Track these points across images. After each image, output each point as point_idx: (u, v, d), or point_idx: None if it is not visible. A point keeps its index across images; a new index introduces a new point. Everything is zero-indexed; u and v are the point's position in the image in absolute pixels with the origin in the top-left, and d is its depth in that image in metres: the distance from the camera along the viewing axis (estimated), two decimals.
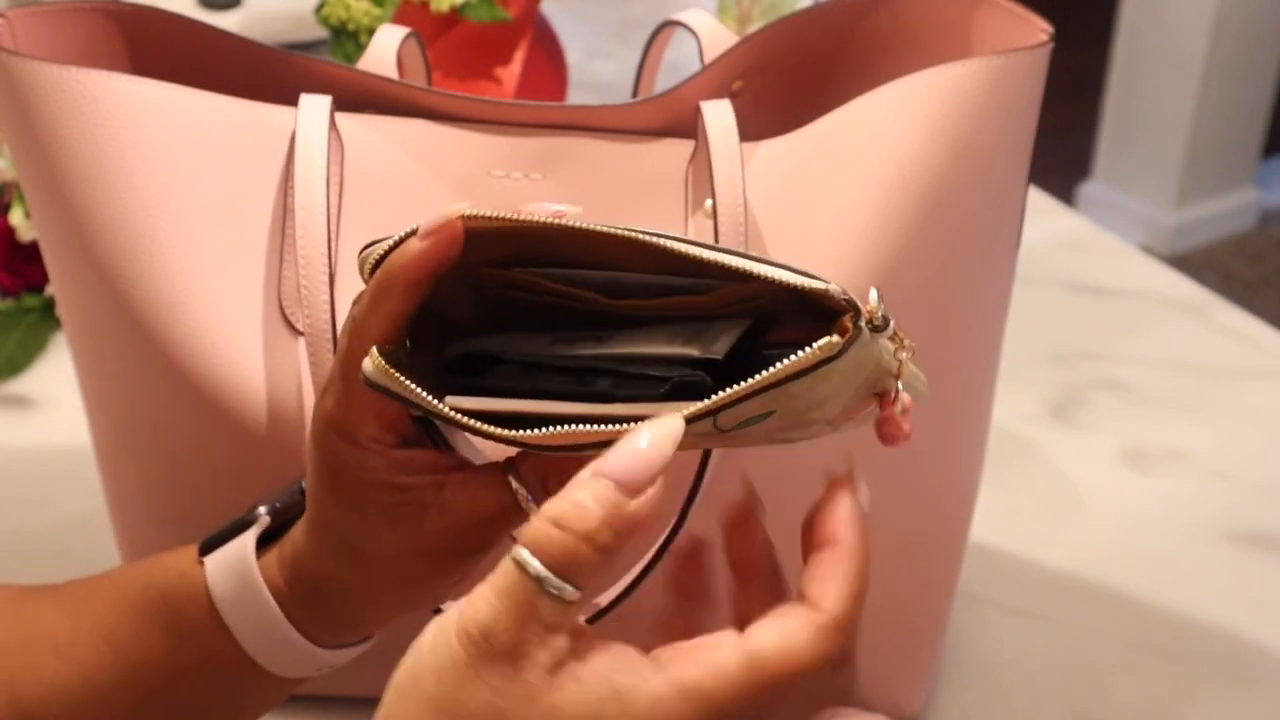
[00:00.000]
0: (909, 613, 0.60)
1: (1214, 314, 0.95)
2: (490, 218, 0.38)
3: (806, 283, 0.35)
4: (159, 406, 0.53)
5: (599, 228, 0.37)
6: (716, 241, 0.52)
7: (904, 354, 0.37)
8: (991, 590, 0.71)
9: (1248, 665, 0.67)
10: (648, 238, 0.36)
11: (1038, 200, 1.09)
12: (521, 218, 0.38)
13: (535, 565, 0.32)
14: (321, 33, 1.12)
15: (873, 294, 0.35)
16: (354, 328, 0.40)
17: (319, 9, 0.94)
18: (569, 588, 0.32)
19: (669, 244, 0.36)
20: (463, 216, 0.38)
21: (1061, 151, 2.89)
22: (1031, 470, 0.80)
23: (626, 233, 0.36)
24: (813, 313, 0.36)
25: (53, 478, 0.77)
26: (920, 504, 0.57)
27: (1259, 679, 0.66)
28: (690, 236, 0.55)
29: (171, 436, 0.54)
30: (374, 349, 0.38)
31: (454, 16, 0.91)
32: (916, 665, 0.62)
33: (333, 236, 0.53)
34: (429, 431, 0.42)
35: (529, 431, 0.37)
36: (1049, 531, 0.75)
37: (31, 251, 0.89)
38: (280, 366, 0.52)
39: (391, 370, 0.38)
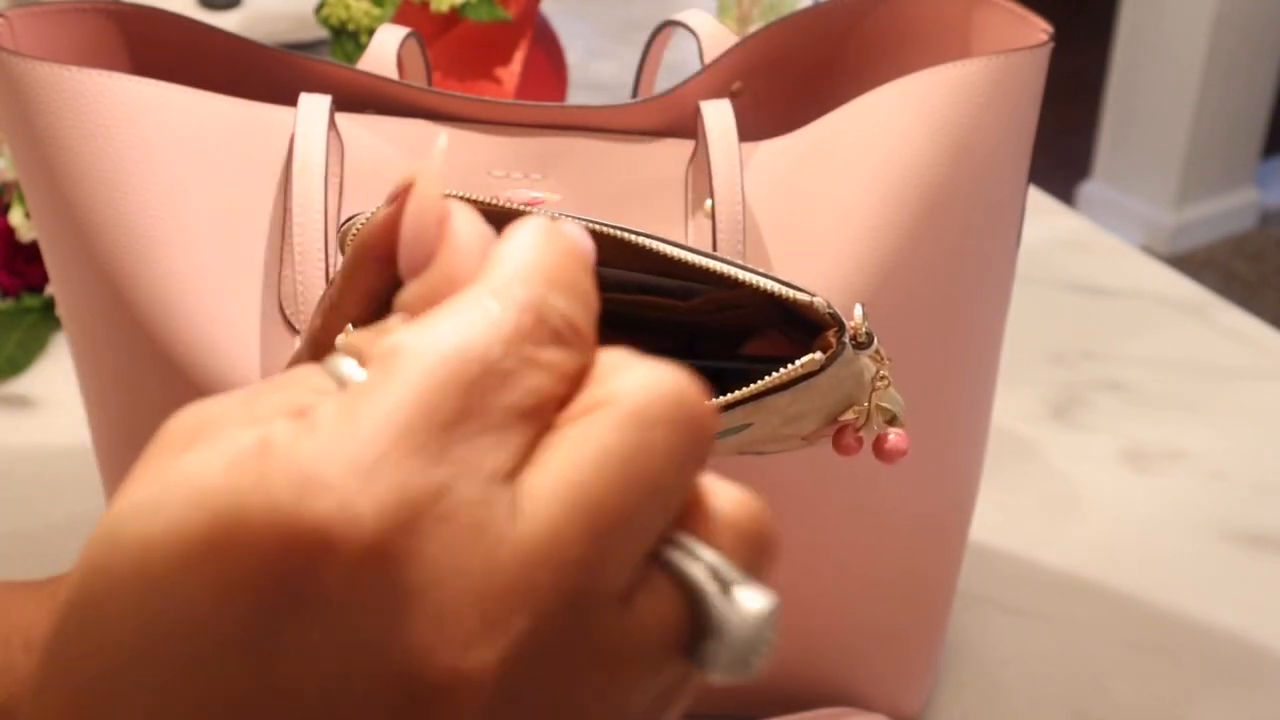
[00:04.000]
0: (908, 612, 0.60)
1: (1214, 314, 0.95)
2: (462, 198, 0.38)
3: (791, 294, 0.34)
4: (158, 406, 0.53)
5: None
6: (715, 241, 0.52)
7: (884, 372, 0.37)
8: (991, 590, 0.71)
9: (1248, 666, 0.67)
10: (628, 235, 0.36)
11: (1038, 200, 1.09)
12: (493, 203, 0.37)
13: None
14: (321, 33, 1.12)
15: (858, 310, 0.35)
16: (328, 305, 0.39)
17: (319, 9, 0.94)
18: None
19: (650, 243, 0.36)
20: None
21: (1061, 151, 2.89)
22: (1031, 470, 0.80)
23: (607, 229, 0.36)
24: (794, 324, 0.36)
25: (53, 478, 0.77)
26: (919, 504, 0.57)
27: (1260, 680, 0.66)
28: (689, 237, 0.55)
29: None
30: (349, 328, 0.37)
31: (454, 16, 0.91)
32: (916, 665, 0.62)
33: (331, 236, 0.53)
34: None
35: None
36: (1049, 531, 0.75)
37: (31, 251, 0.88)
38: (280, 366, 0.52)
39: None
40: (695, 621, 0.23)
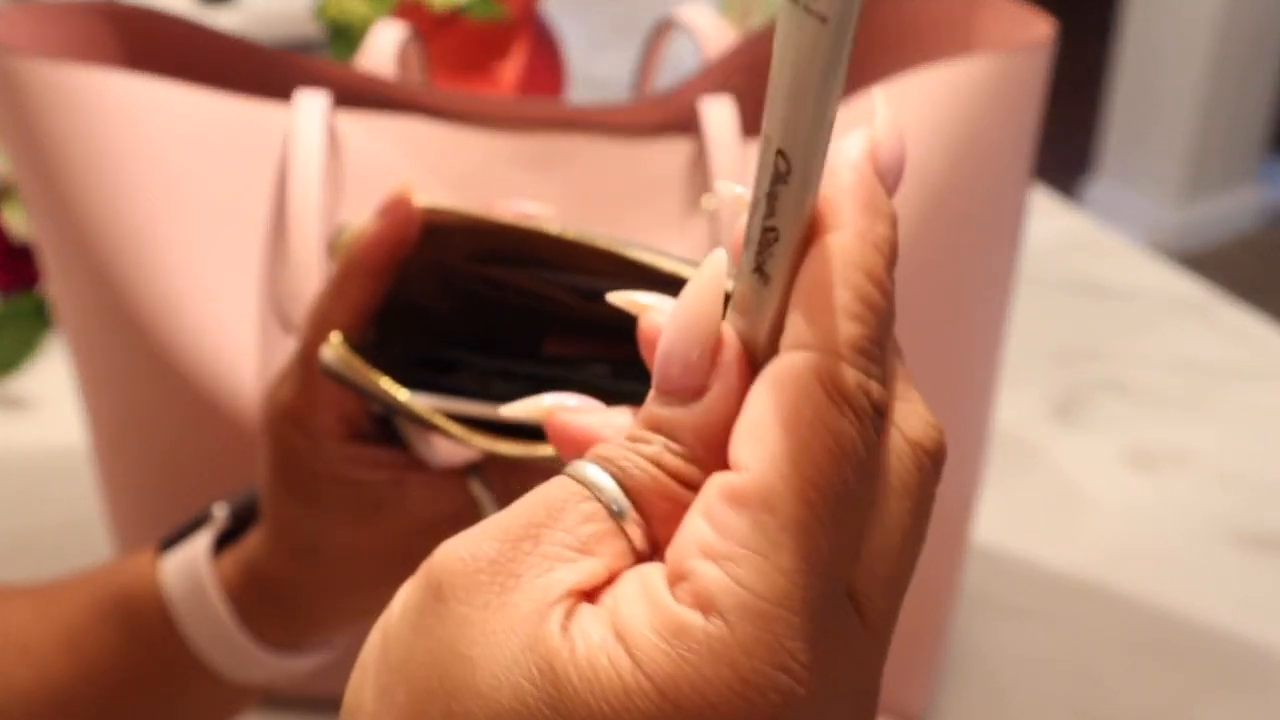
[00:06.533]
0: (911, 613, 0.60)
1: (1219, 313, 0.95)
2: (452, 212, 0.38)
3: None
4: (155, 406, 0.53)
5: (557, 232, 0.36)
6: (715, 241, 0.51)
7: None
8: (994, 590, 0.70)
9: (1251, 667, 0.66)
10: (602, 244, 0.35)
11: (1040, 199, 1.08)
12: (483, 215, 0.37)
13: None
14: (320, 32, 1.11)
15: None
16: (317, 316, 0.39)
17: (317, 8, 0.94)
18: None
19: (627, 252, 0.35)
20: (426, 209, 0.38)
21: (1065, 150, 2.89)
22: (1034, 470, 0.79)
23: (583, 239, 0.36)
24: None
25: (48, 478, 0.77)
26: None
27: (1263, 681, 0.66)
28: (689, 235, 0.54)
29: (167, 436, 0.54)
30: (334, 336, 0.38)
31: (452, 14, 0.91)
32: (918, 665, 0.61)
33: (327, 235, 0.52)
34: (386, 428, 0.42)
35: (487, 434, 0.37)
36: (1051, 532, 0.75)
37: (26, 250, 0.88)
38: (275, 366, 0.51)
39: (352, 358, 0.37)
40: None
